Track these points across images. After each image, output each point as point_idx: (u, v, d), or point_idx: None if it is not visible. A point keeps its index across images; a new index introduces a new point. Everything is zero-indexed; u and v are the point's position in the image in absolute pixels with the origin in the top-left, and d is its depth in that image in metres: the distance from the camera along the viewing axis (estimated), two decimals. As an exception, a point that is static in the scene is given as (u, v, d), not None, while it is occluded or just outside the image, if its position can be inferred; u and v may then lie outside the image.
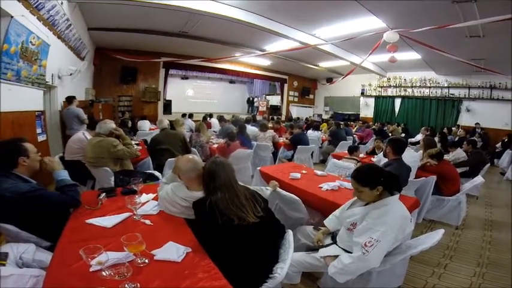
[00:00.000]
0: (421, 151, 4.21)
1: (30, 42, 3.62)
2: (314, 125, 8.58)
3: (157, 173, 3.15)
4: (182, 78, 14.28)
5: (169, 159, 3.70)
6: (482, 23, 4.71)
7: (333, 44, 8.02)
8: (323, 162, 6.85)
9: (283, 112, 14.75)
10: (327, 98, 15.52)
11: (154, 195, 2.18)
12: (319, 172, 3.45)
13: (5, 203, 1.57)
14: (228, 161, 1.84)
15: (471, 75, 10.09)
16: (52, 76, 4.85)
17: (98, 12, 6.07)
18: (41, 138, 4.15)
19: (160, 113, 11.11)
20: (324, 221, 2.20)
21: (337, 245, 1.93)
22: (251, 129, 6.43)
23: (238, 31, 7.16)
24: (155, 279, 1.23)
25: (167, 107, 11.82)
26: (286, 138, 6.16)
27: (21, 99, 3.62)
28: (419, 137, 8.35)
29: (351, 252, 1.79)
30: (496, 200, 4.85)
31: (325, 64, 11.65)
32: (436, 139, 6.05)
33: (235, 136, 4.86)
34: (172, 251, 1.42)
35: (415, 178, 3.44)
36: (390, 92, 12.65)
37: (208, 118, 9.26)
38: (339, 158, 4.58)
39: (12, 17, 3.12)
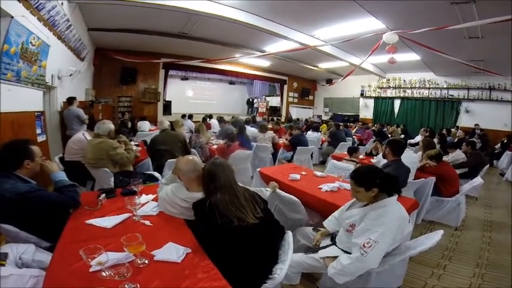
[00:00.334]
0: (420, 152, 4.21)
1: (31, 42, 3.63)
2: (314, 126, 8.59)
3: (157, 174, 3.16)
4: (182, 79, 14.28)
5: (169, 160, 3.70)
6: (481, 24, 4.72)
7: (333, 45, 8.03)
8: (323, 163, 6.85)
9: (283, 113, 14.76)
10: (326, 99, 15.54)
11: (154, 196, 2.18)
12: (318, 173, 3.45)
13: (5, 204, 1.58)
14: (227, 162, 1.84)
15: (470, 77, 10.11)
16: (52, 77, 4.85)
17: (98, 12, 6.09)
18: (40, 138, 4.15)
19: (160, 114, 11.12)
20: (323, 222, 2.20)
21: (336, 246, 1.94)
22: (251, 130, 6.43)
23: (237, 32, 7.18)
24: (155, 280, 1.23)
25: (167, 107, 11.82)
26: (286, 139, 6.17)
27: (21, 99, 3.62)
28: (418, 138, 8.36)
29: (350, 253, 1.80)
30: (495, 201, 4.86)
31: (324, 65, 11.67)
32: (435, 140, 6.05)
33: (235, 137, 4.87)
34: (172, 252, 1.43)
35: (414, 179, 3.45)
36: (389, 93, 12.68)
37: (208, 119, 9.26)
38: (338, 159, 4.59)
39: (12, 17, 3.13)
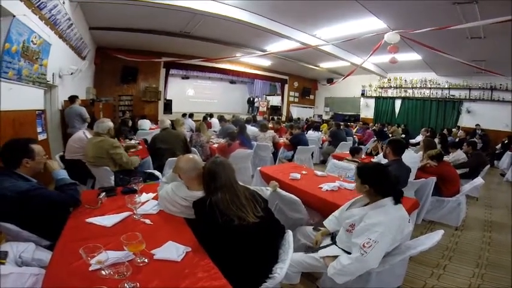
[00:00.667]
0: (421, 152, 4.21)
1: (32, 41, 3.63)
2: (314, 126, 8.59)
3: (157, 173, 3.16)
4: (183, 78, 14.31)
5: (169, 159, 3.70)
6: (483, 24, 4.70)
7: (334, 44, 8.02)
8: (323, 162, 6.85)
9: (284, 112, 14.75)
10: (327, 99, 15.52)
11: (154, 194, 2.18)
12: (319, 173, 3.45)
13: (6, 202, 1.58)
14: (228, 161, 1.84)
15: (472, 77, 10.08)
16: (53, 75, 4.86)
17: (99, 11, 6.08)
18: (41, 137, 4.16)
19: (160, 113, 11.13)
20: (324, 222, 2.20)
21: (336, 245, 1.94)
22: (251, 129, 6.43)
23: (239, 31, 7.17)
24: (155, 279, 1.23)
25: (168, 106, 11.84)
26: (287, 139, 6.17)
27: (22, 98, 3.63)
28: (419, 138, 8.35)
29: (350, 253, 1.80)
30: (495, 201, 4.85)
31: (325, 65, 11.65)
32: (436, 140, 6.05)
33: (236, 136, 4.87)
34: (172, 251, 1.43)
35: (415, 179, 3.44)
36: (390, 92, 12.65)
37: (209, 118, 9.27)
38: (339, 158, 4.58)
39: (14, 16, 3.13)
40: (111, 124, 3.35)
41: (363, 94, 13.58)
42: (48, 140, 4.49)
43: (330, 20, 6.39)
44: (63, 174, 1.99)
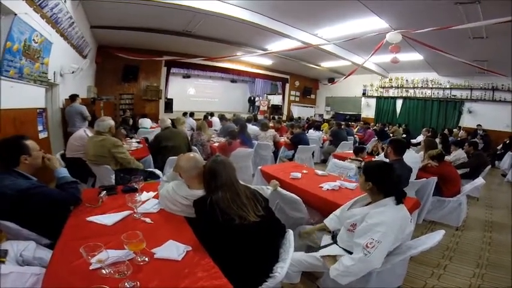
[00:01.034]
0: (422, 152, 4.20)
1: (33, 40, 3.63)
2: (315, 125, 8.58)
3: (158, 171, 3.16)
4: (184, 77, 14.31)
5: (170, 158, 3.71)
6: (485, 24, 4.68)
7: (335, 44, 8.01)
8: (324, 162, 6.85)
9: (285, 112, 14.75)
10: (328, 98, 15.51)
11: (155, 193, 2.18)
12: (319, 172, 3.45)
13: (6, 200, 1.57)
14: (229, 160, 1.84)
15: (473, 77, 10.06)
16: (54, 74, 4.87)
17: (101, 10, 6.08)
18: (42, 135, 4.17)
19: (161, 112, 11.15)
20: (324, 220, 2.20)
21: (337, 244, 1.94)
22: (252, 128, 6.43)
23: (240, 30, 7.16)
24: (155, 278, 1.23)
25: (168, 105, 11.85)
26: (287, 138, 6.16)
27: (23, 96, 3.63)
28: (420, 138, 8.33)
29: (350, 253, 1.79)
30: (496, 201, 4.84)
31: (327, 64, 11.64)
32: (437, 140, 6.03)
33: (237, 135, 4.86)
34: (172, 250, 1.43)
35: (416, 179, 3.43)
36: (392, 92, 12.63)
37: (210, 117, 9.28)
38: (339, 158, 4.57)
39: (15, 14, 3.13)
40: (112, 122, 3.35)
41: (364, 94, 13.56)
42: (49, 139, 4.50)
43: (331, 19, 6.38)
44: (64, 172, 1.99)
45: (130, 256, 1.33)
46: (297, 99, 15.23)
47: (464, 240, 3.25)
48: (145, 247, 1.34)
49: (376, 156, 4.58)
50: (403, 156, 3.09)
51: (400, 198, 1.77)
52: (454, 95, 10.84)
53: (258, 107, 15.34)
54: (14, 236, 1.65)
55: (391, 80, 12.51)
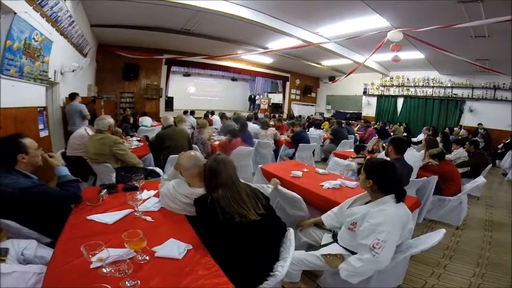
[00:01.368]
0: (422, 151, 4.20)
1: (33, 38, 3.63)
2: (316, 124, 8.57)
3: (158, 170, 3.16)
4: (184, 75, 14.31)
5: (171, 156, 3.71)
6: (487, 23, 4.66)
7: (336, 42, 7.99)
8: (324, 160, 6.85)
9: (285, 110, 14.73)
10: (329, 97, 15.49)
11: (156, 191, 2.18)
12: (320, 170, 3.44)
13: (6, 199, 1.57)
14: (229, 158, 1.83)
15: (474, 76, 10.04)
16: (55, 72, 4.87)
17: (101, 8, 6.08)
18: (43, 134, 4.17)
19: (162, 110, 11.15)
20: (322, 216, 2.21)
21: (338, 243, 1.94)
22: (252, 126, 6.42)
23: (241, 29, 7.14)
24: (156, 276, 1.23)
25: (169, 103, 11.84)
26: (288, 136, 6.16)
27: (24, 95, 3.63)
28: (421, 136, 8.32)
29: (351, 251, 1.80)
30: (497, 200, 4.84)
31: (327, 62, 11.62)
32: (438, 139, 6.02)
33: (237, 133, 4.86)
34: (173, 248, 1.43)
35: (417, 178, 3.43)
36: (393, 91, 12.60)
37: (210, 115, 9.28)
38: (340, 156, 4.57)
39: (15, 13, 3.13)
40: (111, 121, 3.35)
41: (364, 92, 13.54)
42: (49, 137, 4.50)
43: (332, 17, 6.36)
44: (65, 171, 1.98)
45: (131, 255, 1.33)
46: (298, 97, 15.21)
47: (465, 240, 3.24)
48: (146, 246, 1.34)
49: (378, 155, 4.57)
50: (404, 155, 3.09)
51: (400, 197, 1.78)
52: (455, 94, 10.82)
53: (259, 105, 15.32)
54: (15, 235, 1.65)
55: (392, 78, 12.49)
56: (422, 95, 11.70)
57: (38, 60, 3.89)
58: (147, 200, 2.06)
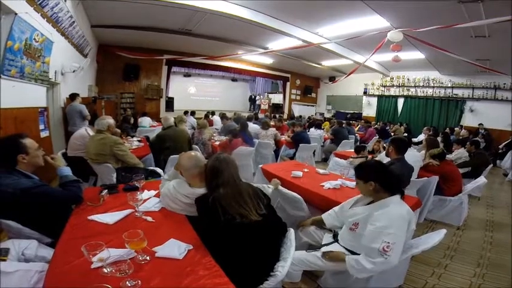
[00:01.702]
0: (423, 151, 4.19)
1: (34, 39, 3.63)
2: (316, 124, 8.57)
3: (159, 170, 3.16)
4: (184, 76, 14.32)
5: (171, 156, 3.71)
6: (487, 23, 4.66)
7: (336, 42, 7.99)
8: (325, 160, 6.84)
9: (285, 110, 14.73)
10: (329, 97, 15.49)
11: (156, 192, 2.18)
12: (321, 171, 3.44)
13: (7, 199, 1.58)
14: (231, 157, 1.82)
15: (475, 76, 10.03)
16: (55, 73, 4.87)
17: (101, 9, 6.09)
18: (43, 134, 4.17)
19: (162, 110, 11.16)
20: (322, 215, 2.21)
21: (338, 243, 1.94)
22: (253, 127, 6.42)
23: (241, 29, 7.15)
24: (156, 277, 1.23)
25: (169, 104, 11.85)
26: (288, 137, 6.16)
27: (25, 95, 3.63)
28: (421, 136, 8.32)
29: (352, 251, 1.80)
30: (497, 201, 4.83)
31: (328, 63, 11.62)
32: (439, 139, 6.02)
33: (238, 133, 4.86)
34: (173, 248, 1.43)
35: (417, 178, 3.43)
36: (393, 91, 12.60)
37: (210, 116, 9.28)
38: (341, 156, 4.57)
39: (16, 14, 3.13)
40: (111, 121, 3.34)
41: (365, 92, 13.54)
42: (50, 138, 4.50)
43: (332, 17, 6.36)
44: (67, 171, 1.99)
45: (132, 255, 1.33)
46: (298, 97, 15.20)
47: (466, 240, 3.24)
48: (147, 246, 1.34)
49: (378, 155, 4.57)
50: (405, 155, 3.08)
51: (403, 192, 1.79)
52: (456, 94, 10.81)
53: (259, 105, 15.32)
54: (16, 235, 1.65)
55: (393, 78, 12.48)
56: (422, 95, 11.69)
57: (39, 61, 3.89)
58: (148, 200, 2.06)
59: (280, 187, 2.48)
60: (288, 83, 14.65)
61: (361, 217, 1.80)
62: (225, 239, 1.52)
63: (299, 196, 2.39)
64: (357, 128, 10.04)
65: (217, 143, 5.19)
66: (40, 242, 1.65)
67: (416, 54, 8.68)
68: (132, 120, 7.23)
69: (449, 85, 10.91)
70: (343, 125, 7.89)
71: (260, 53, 9.48)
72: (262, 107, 14.82)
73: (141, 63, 10.09)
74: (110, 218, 1.73)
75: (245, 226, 1.54)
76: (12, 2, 3.05)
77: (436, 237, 1.83)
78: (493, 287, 2.38)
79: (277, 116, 11.78)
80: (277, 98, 15.26)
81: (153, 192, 2.19)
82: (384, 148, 4.42)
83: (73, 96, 5.33)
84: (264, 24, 6.43)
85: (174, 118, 4.88)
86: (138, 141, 4.93)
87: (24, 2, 3.37)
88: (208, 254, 1.42)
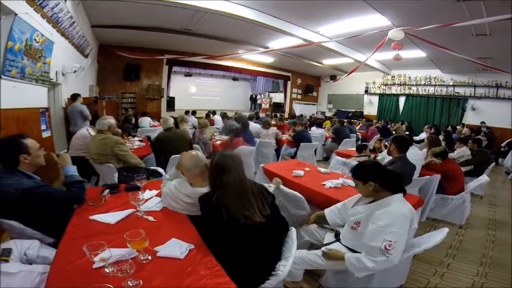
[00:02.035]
0: (425, 149, 4.18)
1: (34, 39, 3.63)
2: (317, 123, 8.55)
3: (160, 170, 3.16)
4: (185, 75, 14.32)
5: (172, 156, 3.71)
6: (488, 21, 4.64)
7: (337, 41, 7.96)
8: (326, 159, 6.82)
9: (286, 109, 14.72)
10: (330, 96, 15.47)
11: (158, 191, 2.18)
12: (322, 169, 3.44)
13: (9, 200, 1.58)
14: (237, 154, 1.78)
15: (477, 74, 10.00)
16: (56, 73, 4.88)
17: (101, 9, 6.09)
18: (45, 134, 4.18)
19: (163, 110, 11.17)
20: (325, 210, 2.21)
21: (340, 242, 1.93)
22: (254, 126, 6.41)
23: (241, 28, 7.13)
24: (158, 276, 1.23)
25: (170, 104, 11.86)
26: (289, 136, 6.15)
27: (26, 96, 3.64)
28: (423, 135, 8.29)
29: (354, 251, 1.79)
30: (500, 199, 4.81)
31: (329, 61, 11.59)
32: (441, 137, 5.99)
33: (239, 132, 4.86)
34: (175, 248, 1.43)
35: (419, 176, 3.42)
36: (394, 90, 12.58)
37: (212, 115, 9.28)
38: (342, 155, 4.56)
39: (16, 14, 3.13)
40: (111, 121, 3.34)
41: (366, 91, 13.52)
42: (52, 138, 4.51)
43: (333, 16, 6.34)
44: (73, 170, 1.99)
45: (133, 254, 1.33)
46: (299, 96, 15.19)
47: (468, 239, 3.23)
48: (148, 245, 1.34)
49: (379, 154, 4.56)
50: (406, 154, 3.07)
51: (405, 190, 1.78)
52: (458, 92, 10.78)
53: (260, 105, 15.30)
54: (18, 235, 1.66)
55: (394, 77, 12.46)
56: (424, 93, 11.67)
57: (40, 61, 3.89)
58: (149, 199, 2.06)
59: (282, 186, 2.48)
60: (289, 82, 14.64)
61: (363, 216, 1.79)
62: (227, 239, 1.51)
63: (300, 195, 2.39)
64: (358, 126, 10.01)
65: (219, 142, 5.18)
66: (42, 242, 1.65)
67: (418, 53, 8.64)
68: (133, 120, 7.24)
69: (450, 83, 10.89)
70: (345, 124, 7.87)
71: (261, 52, 9.47)
72: (263, 106, 14.80)
73: (142, 63, 10.10)
74: (111, 217, 1.73)
75: (249, 227, 1.52)
76: (12, 2, 3.05)
77: (438, 236, 1.83)
78: (496, 286, 2.37)
79: (278, 115, 11.77)
80: (278, 97, 15.24)
81: (154, 192, 2.20)
82: (386, 147, 4.41)
83: (74, 97, 5.34)
84: (265, 23, 6.41)
85: (176, 118, 4.87)
86: (140, 141, 4.93)
87: (24, 2, 3.37)
88: (209, 254, 1.42)
